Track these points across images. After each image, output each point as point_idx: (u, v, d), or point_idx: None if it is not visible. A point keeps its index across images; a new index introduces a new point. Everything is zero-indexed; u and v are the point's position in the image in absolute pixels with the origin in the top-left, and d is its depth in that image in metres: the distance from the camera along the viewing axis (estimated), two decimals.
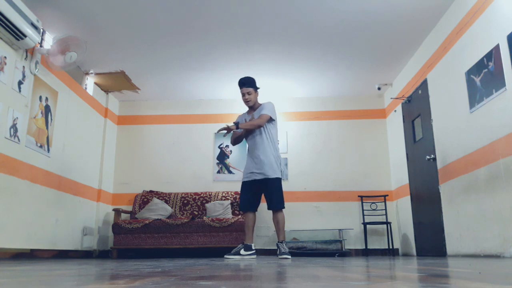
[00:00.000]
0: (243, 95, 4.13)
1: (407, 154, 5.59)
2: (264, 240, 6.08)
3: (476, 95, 3.77)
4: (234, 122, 3.99)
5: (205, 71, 5.75)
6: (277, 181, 4.02)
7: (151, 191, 6.28)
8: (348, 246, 6.01)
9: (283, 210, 4.05)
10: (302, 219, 6.12)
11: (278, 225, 3.99)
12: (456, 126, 4.17)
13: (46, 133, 4.66)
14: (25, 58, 4.28)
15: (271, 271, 1.85)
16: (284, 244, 3.98)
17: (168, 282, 1.23)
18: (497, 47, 3.43)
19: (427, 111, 4.87)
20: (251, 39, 4.91)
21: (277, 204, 3.99)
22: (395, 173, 6.15)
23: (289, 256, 3.87)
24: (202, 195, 6.14)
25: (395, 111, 6.00)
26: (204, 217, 5.57)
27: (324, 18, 4.46)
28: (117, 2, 4.15)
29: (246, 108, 4.36)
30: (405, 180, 5.63)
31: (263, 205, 6.20)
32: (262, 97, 6.63)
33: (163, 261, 3.27)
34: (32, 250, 4.35)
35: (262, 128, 4.06)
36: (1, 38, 3.90)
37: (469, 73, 3.88)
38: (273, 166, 4.01)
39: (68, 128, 5.18)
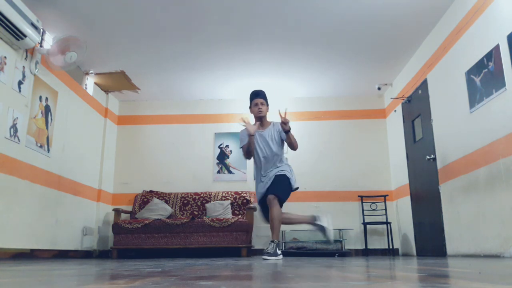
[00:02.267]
0: (256, 105, 3.93)
1: (407, 154, 5.59)
2: (264, 240, 6.08)
3: (476, 95, 3.77)
4: (285, 131, 3.73)
5: (205, 71, 5.75)
6: (286, 177, 3.87)
7: (151, 191, 6.28)
8: (348, 246, 6.01)
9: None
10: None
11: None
12: (456, 126, 4.17)
13: (46, 133, 4.66)
14: (25, 58, 4.28)
15: (271, 271, 1.85)
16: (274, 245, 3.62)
17: (168, 282, 1.23)
18: (497, 47, 3.43)
19: (427, 111, 4.87)
20: (251, 39, 4.91)
21: (275, 191, 3.75)
22: (395, 173, 6.15)
23: (269, 258, 3.48)
24: (202, 195, 6.14)
25: (395, 111, 6.00)
26: (204, 217, 5.57)
27: (324, 18, 4.46)
28: (117, 2, 4.15)
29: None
30: (405, 180, 5.63)
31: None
32: None
33: (163, 261, 3.27)
34: (32, 250, 4.35)
35: (279, 147, 3.97)
36: (1, 38, 3.91)
37: (469, 73, 3.88)
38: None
39: (68, 128, 5.18)
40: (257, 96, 3.97)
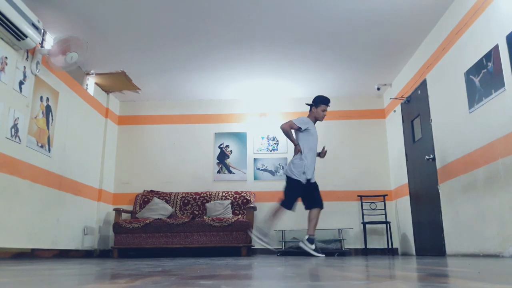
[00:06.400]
0: (324, 111, 4.63)
1: (406, 154, 5.60)
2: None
3: (475, 95, 3.78)
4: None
5: (205, 71, 5.76)
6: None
7: (151, 191, 6.29)
8: (348, 245, 6.01)
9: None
10: (301, 219, 6.11)
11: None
12: (455, 126, 4.17)
13: (47, 133, 4.67)
14: (26, 59, 4.29)
15: (271, 271, 1.86)
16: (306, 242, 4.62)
17: (168, 282, 1.24)
18: (496, 48, 3.43)
19: (426, 111, 4.88)
20: (251, 40, 4.92)
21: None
22: (394, 173, 6.16)
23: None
24: (202, 194, 6.15)
25: (395, 111, 6.01)
26: (205, 217, 5.58)
27: (323, 18, 4.46)
28: (118, 3, 4.16)
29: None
30: (405, 180, 5.64)
31: (263, 204, 6.21)
32: (262, 97, 6.65)
33: (164, 261, 3.27)
34: (33, 250, 4.36)
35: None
36: (2, 39, 3.91)
37: (468, 73, 3.89)
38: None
39: (69, 128, 5.19)
40: (328, 103, 4.63)
